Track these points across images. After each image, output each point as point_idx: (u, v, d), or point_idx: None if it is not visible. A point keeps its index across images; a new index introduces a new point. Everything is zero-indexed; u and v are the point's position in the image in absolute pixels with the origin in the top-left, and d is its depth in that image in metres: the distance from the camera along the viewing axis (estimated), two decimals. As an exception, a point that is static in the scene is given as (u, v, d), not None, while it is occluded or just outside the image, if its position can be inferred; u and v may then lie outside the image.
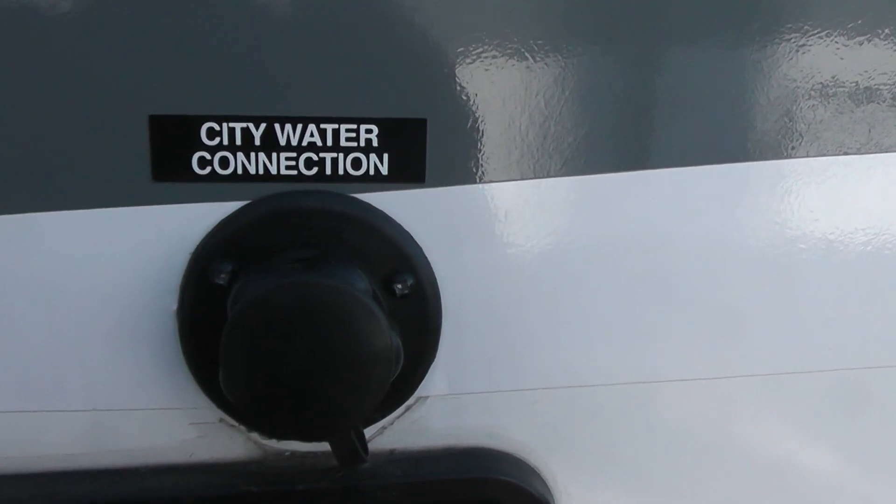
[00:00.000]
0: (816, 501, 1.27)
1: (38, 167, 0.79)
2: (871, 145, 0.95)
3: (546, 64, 0.85)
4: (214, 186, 0.82)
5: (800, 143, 0.97)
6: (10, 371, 0.85)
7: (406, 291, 0.84)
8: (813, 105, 0.96)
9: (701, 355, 1.05)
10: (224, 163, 0.80)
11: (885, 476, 1.28)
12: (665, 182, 0.93)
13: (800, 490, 1.26)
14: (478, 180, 0.84)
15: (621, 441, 1.06)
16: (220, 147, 0.80)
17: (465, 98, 0.84)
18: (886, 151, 0.95)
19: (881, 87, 0.97)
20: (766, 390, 1.12)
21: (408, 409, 0.93)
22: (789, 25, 0.91)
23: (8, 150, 0.80)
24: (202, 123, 0.79)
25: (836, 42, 0.94)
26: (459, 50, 0.83)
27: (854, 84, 0.97)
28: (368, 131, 0.81)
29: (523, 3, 0.79)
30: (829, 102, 0.97)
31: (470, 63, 0.83)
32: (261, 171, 0.80)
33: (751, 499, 1.20)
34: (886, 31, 0.94)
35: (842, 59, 0.95)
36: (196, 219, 0.83)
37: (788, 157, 0.98)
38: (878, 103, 0.97)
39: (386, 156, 0.82)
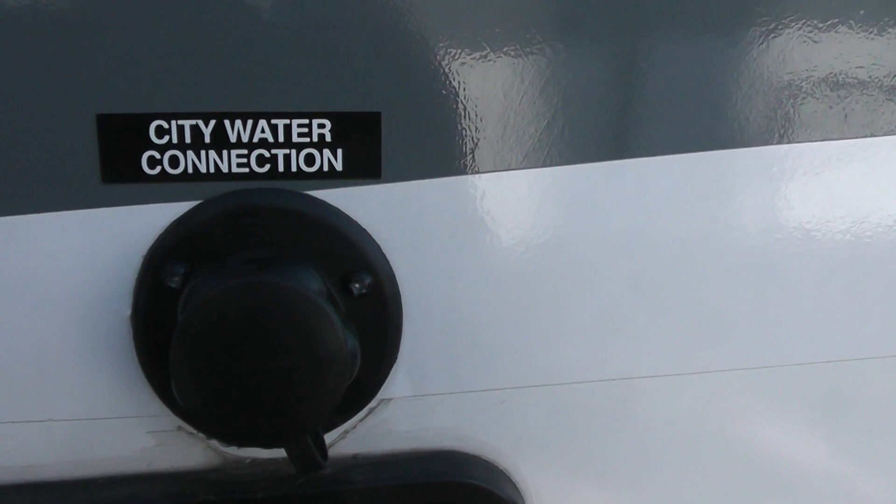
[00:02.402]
0: (799, 496, 1.28)
1: None
2: (847, 132, 0.95)
3: (504, 54, 0.84)
4: (165, 187, 0.80)
5: (776, 130, 0.98)
6: None
7: (364, 291, 0.83)
8: (788, 93, 0.98)
9: (678, 351, 1.04)
10: (174, 162, 0.79)
11: (869, 469, 1.30)
12: (636, 172, 0.91)
13: (782, 485, 1.27)
14: (437, 174, 0.84)
15: (595, 440, 1.05)
16: (169, 145, 0.79)
17: (420, 90, 0.83)
18: (863, 137, 0.96)
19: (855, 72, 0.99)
20: (746, 385, 1.12)
21: (370, 411, 0.91)
22: (759, 10, 0.92)
23: None
24: (151, 121, 0.78)
25: (809, 27, 0.93)
26: (415, 40, 0.82)
27: (828, 71, 0.98)
28: (321, 126, 0.80)
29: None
30: (802, 90, 0.98)
31: (426, 54, 0.82)
32: (212, 170, 0.79)
33: (731, 496, 1.20)
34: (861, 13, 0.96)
35: (816, 43, 0.96)
36: (148, 220, 0.82)
37: (764, 144, 0.96)
38: (852, 89, 0.98)
39: (340, 151, 0.81)
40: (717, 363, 1.07)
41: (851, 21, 0.92)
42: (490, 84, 0.83)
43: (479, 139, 0.85)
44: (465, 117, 0.83)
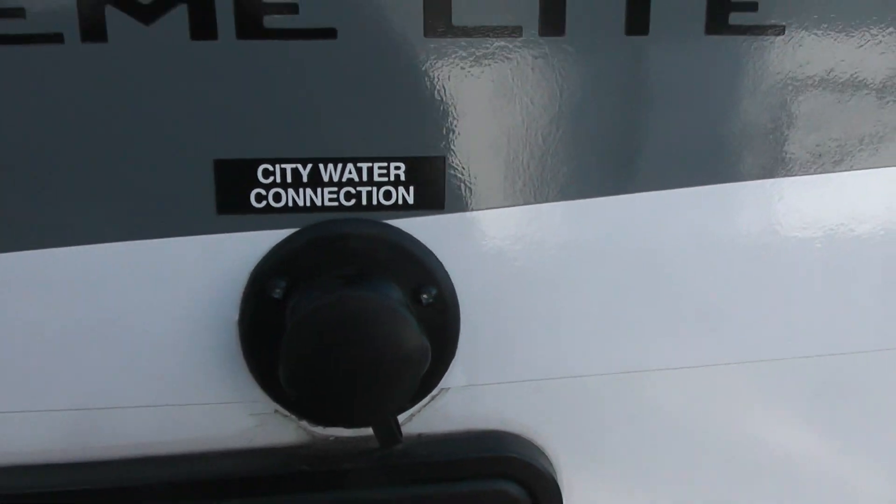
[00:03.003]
0: (800, 486, 1.39)
1: (125, 204, 0.98)
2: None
3: (542, 106, 1.02)
4: (269, 217, 1.00)
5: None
6: (107, 372, 1.02)
7: (430, 300, 1.03)
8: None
9: (685, 346, 1.20)
10: (277, 197, 0.99)
11: (865, 460, 1.40)
12: (649, 204, 1.09)
13: (785, 471, 1.37)
14: (489, 206, 1.03)
15: (610, 424, 1.22)
16: (273, 184, 0.99)
17: (476, 137, 1.02)
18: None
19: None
20: (747, 378, 1.26)
21: (432, 398, 1.11)
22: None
23: (104, 189, 0.98)
24: (258, 165, 0.98)
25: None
26: (470, 98, 1.00)
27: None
28: (397, 168, 0.99)
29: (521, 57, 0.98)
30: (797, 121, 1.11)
31: (478, 108, 1.00)
32: (308, 204, 0.99)
33: (734, 482, 1.34)
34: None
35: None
36: (254, 244, 1.01)
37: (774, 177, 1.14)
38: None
39: (412, 188, 1.01)
40: (721, 357, 1.25)
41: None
42: (531, 132, 1.01)
43: (522, 177, 1.04)
44: (511, 159, 1.01)
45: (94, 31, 0.91)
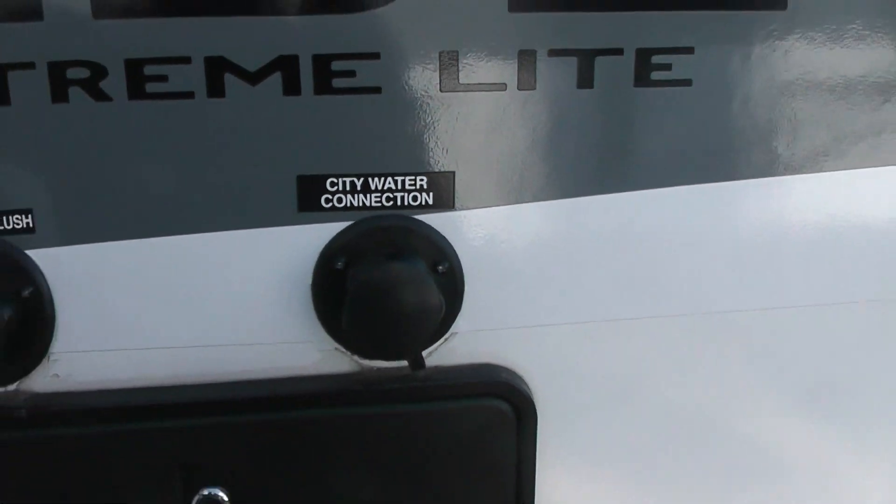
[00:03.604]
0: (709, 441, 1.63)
1: (242, 205, 1.34)
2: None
3: (521, 137, 1.35)
4: (334, 213, 1.36)
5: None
6: (225, 319, 1.39)
7: (444, 271, 1.38)
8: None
9: (634, 301, 1.49)
10: (339, 200, 1.35)
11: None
12: (639, 202, 1.40)
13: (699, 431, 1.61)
14: (484, 206, 1.37)
15: (575, 361, 1.50)
16: (336, 191, 1.34)
17: (475, 158, 1.35)
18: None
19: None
20: (689, 329, 1.51)
21: (445, 339, 1.44)
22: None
23: (228, 196, 1.33)
24: (327, 179, 1.34)
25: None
26: (472, 131, 1.33)
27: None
28: (421, 180, 1.35)
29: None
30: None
31: (478, 138, 1.33)
32: (360, 205, 1.35)
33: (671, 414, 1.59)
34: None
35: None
36: (324, 232, 1.36)
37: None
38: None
39: (431, 193, 1.36)
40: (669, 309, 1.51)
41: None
42: (518, 142, 1.35)
43: (504, 186, 1.37)
44: (504, 170, 1.35)
45: (216, 90, 1.26)
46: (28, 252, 1.33)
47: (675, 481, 1.64)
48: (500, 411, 1.45)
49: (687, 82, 1.33)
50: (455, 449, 1.47)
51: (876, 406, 1.63)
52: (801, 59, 1.37)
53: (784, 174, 1.41)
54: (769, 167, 1.41)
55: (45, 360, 1.38)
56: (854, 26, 1.38)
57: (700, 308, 1.51)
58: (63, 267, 1.35)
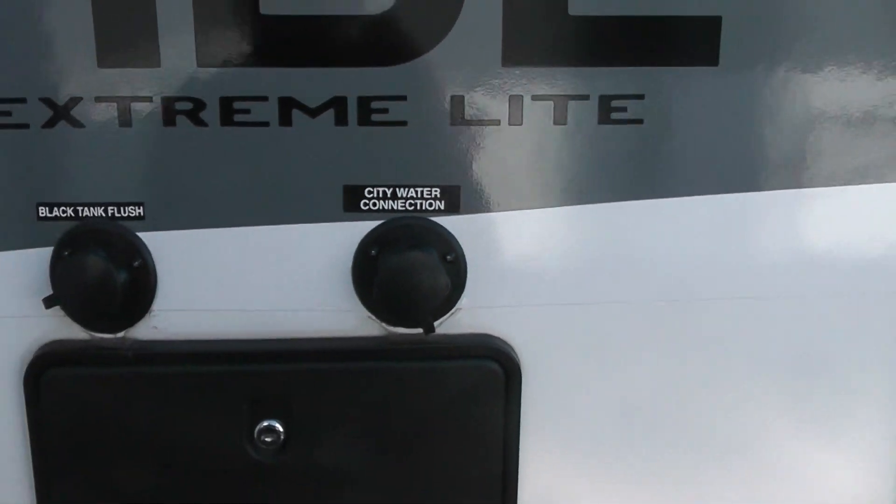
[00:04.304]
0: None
1: (301, 206, 1.59)
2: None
3: (510, 159, 1.58)
4: (370, 213, 1.58)
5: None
6: (289, 291, 1.63)
7: (452, 260, 1.59)
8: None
9: (618, 286, 1.65)
10: (374, 205, 1.58)
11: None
12: (606, 209, 1.59)
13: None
14: (484, 211, 1.59)
15: (555, 335, 1.68)
16: (374, 198, 1.58)
17: (475, 175, 1.57)
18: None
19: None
20: (665, 313, 1.66)
21: (451, 314, 1.64)
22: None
23: (294, 200, 1.59)
24: (366, 188, 1.57)
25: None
26: (474, 154, 1.57)
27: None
28: (436, 191, 1.58)
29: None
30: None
31: (479, 159, 1.56)
32: (390, 208, 1.59)
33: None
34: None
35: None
36: (363, 227, 1.59)
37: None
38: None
39: (443, 201, 1.58)
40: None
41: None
42: (505, 174, 1.59)
43: (497, 196, 1.59)
44: (505, 180, 1.59)
45: (285, 120, 1.52)
46: (139, 233, 1.59)
47: (654, 454, 1.77)
48: (492, 371, 1.65)
49: (639, 121, 1.55)
50: (455, 399, 1.67)
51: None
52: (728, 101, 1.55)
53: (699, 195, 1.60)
54: (698, 186, 1.60)
55: (147, 315, 1.63)
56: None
57: (680, 295, 1.66)
58: (164, 246, 1.60)
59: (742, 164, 1.60)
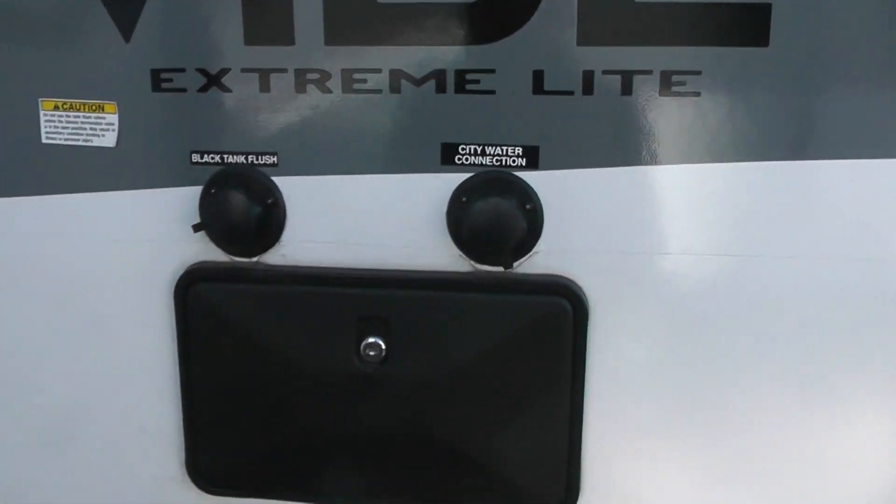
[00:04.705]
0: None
1: (406, 157, 1.91)
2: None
3: (586, 112, 1.81)
4: (462, 167, 1.86)
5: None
6: (391, 230, 1.92)
7: (530, 208, 1.81)
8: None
9: (695, 237, 1.81)
10: (467, 160, 1.84)
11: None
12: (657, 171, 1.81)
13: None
14: (560, 167, 1.82)
15: (622, 283, 1.90)
16: (466, 154, 1.85)
17: (552, 132, 1.80)
18: None
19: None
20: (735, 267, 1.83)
21: (529, 256, 1.87)
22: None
23: (395, 147, 1.90)
24: (460, 145, 1.83)
25: None
26: (550, 115, 1.80)
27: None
28: (519, 150, 1.83)
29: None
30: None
31: (555, 118, 1.80)
32: (479, 163, 1.84)
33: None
34: None
35: None
36: (455, 179, 1.85)
37: None
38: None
39: (524, 159, 1.82)
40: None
41: None
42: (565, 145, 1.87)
43: (572, 155, 1.81)
44: (570, 146, 1.81)
45: (395, 89, 1.82)
46: (273, 177, 1.91)
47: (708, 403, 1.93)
48: (562, 307, 1.88)
49: (697, 94, 1.75)
50: (528, 330, 1.90)
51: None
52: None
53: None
54: (759, 153, 1.77)
55: (276, 244, 1.94)
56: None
57: (743, 250, 1.82)
58: (293, 188, 1.92)
59: (786, 133, 1.80)
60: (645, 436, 1.96)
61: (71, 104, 1.94)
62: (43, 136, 1.97)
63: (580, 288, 1.92)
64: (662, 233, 1.87)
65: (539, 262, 1.92)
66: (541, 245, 1.92)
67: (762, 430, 1.92)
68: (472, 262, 1.95)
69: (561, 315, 1.91)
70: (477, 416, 1.98)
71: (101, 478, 2.16)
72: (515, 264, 1.91)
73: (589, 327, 1.90)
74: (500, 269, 1.92)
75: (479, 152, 1.89)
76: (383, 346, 1.96)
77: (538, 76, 1.80)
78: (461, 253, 1.94)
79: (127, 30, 1.86)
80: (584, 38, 1.77)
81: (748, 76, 1.75)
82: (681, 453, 1.96)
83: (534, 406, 1.96)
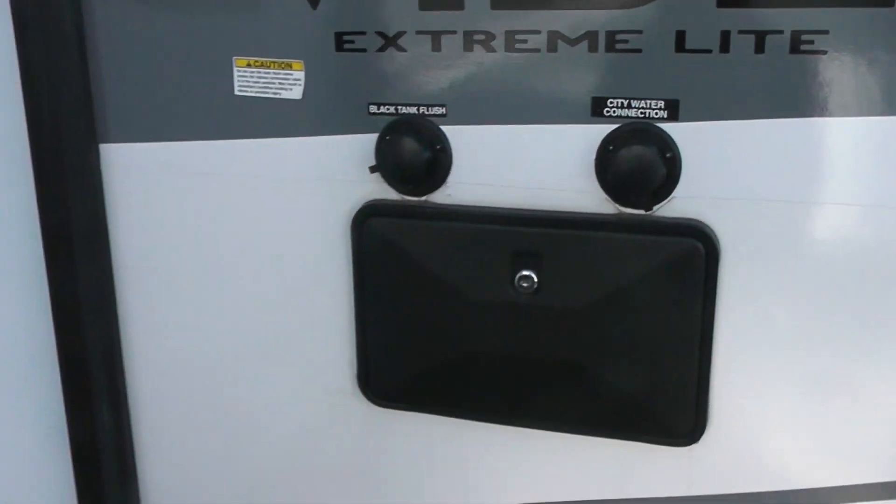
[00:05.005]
0: None
1: (562, 108, 2.12)
2: None
3: (717, 69, 1.99)
4: (610, 119, 2.06)
5: None
6: (546, 176, 2.15)
7: (670, 157, 1.97)
8: None
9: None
10: (615, 112, 2.03)
11: None
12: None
13: None
14: (699, 119, 1.98)
15: (757, 231, 2.05)
16: (613, 107, 2.03)
17: (691, 87, 1.95)
18: None
19: None
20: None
21: (667, 200, 2.05)
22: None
23: (553, 99, 2.11)
24: (608, 99, 2.03)
25: None
26: (690, 71, 1.95)
27: None
28: (661, 103, 2.00)
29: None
30: None
31: (693, 74, 1.95)
32: (626, 116, 2.04)
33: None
34: None
35: None
36: (603, 129, 2.06)
37: None
38: None
39: (666, 111, 1.99)
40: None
41: None
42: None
43: (709, 109, 1.99)
44: (708, 101, 1.98)
45: (552, 48, 2.02)
46: (441, 126, 2.16)
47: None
48: (696, 248, 2.06)
49: (824, 52, 1.87)
50: (663, 269, 2.09)
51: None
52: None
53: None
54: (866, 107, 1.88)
55: (443, 185, 2.20)
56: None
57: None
58: (459, 135, 2.17)
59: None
60: (769, 374, 2.11)
61: (262, 62, 2.24)
62: (236, 88, 2.28)
63: (712, 231, 2.06)
64: (792, 181, 2.01)
65: (676, 206, 2.08)
66: (678, 191, 2.08)
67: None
68: (616, 205, 2.12)
69: (694, 255, 2.08)
70: (615, 346, 2.16)
71: (280, 388, 2.50)
72: (655, 208, 2.10)
73: (720, 268, 2.06)
74: (641, 211, 2.10)
75: (624, 105, 2.07)
76: (535, 279, 2.17)
77: (680, 36, 1.96)
78: (606, 196, 2.11)
79: (314, -1, 2.00)
80: (723, 1, 1.90)
81: (873, 35, 1.86)
82: (806, 395, 2.09)
83: (667, 339, 2.13)
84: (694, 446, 2.17)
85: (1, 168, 2.37)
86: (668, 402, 2.17)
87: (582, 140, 2.10)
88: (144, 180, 2.37)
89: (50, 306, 2.37)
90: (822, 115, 1.96)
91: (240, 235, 2.37)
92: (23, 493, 2.57)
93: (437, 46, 2.13)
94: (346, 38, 2.18)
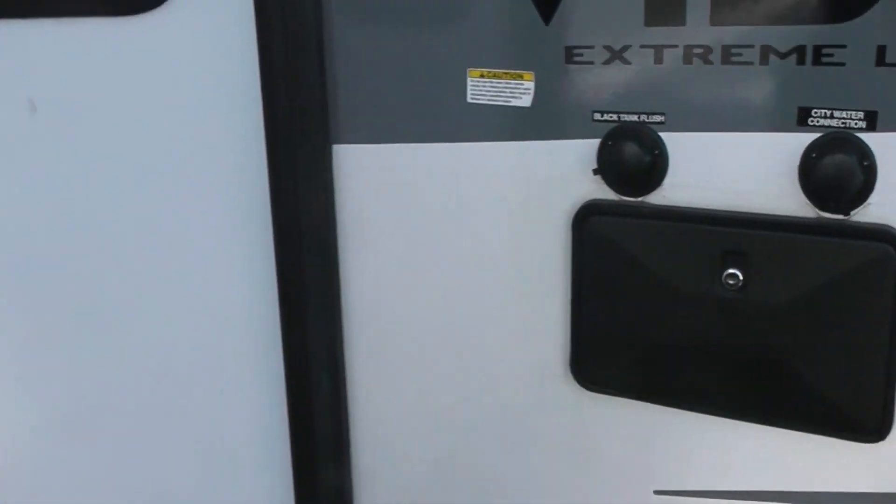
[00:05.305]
0: None
1: (761, 117, 2.28)
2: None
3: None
4: (814, 128, 2.23)
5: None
6: (735, 180, 2.33)
7: (867, 164, 2.17)
8: None
9: None
10: (818, 122, 2.20)
11: None
12: None
13: None
14: (894, 130, 2.19)
15: None
16: (818, 117, 2.19)
17: (888, 99, 2.12)
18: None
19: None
20: None
21: (864, 206, 2.23)
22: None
23: (748, 105, 2.29)
24: (812, 109, 2.18)
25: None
26: (892, 80, 2.08)
27: None
28: (861, 114, 2.16)
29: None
30: None
31: (889, 81, 2.10)
32: (828, 125, 2.23)
33: None
34: None
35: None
36: (807, 138, 2.23)
37: None
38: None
39: (865, 122, 2.17)
40: None
41: None
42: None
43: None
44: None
45: (764, 60, 2.17)
46: (660, 133, 2.34)
47: None
48: (887, 252, 2.16)
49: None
50: (860, 270, 2.20)
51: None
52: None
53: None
54: None
55: (659, 187, 2.37)
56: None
57: None
58: (677, 142, 2.36)
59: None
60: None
61: (494, 73, 2.45)
62: (469, 96, 2.51)
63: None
64: None
65: (871, 211, 2.19)
66: (874, 197, 2.19)
67: None
68: (816, 209, 2.22)
69: (888, 258, 2.17)
70: (810, 342, 2.26)
71: (494, 369, 2.73)
72: (852, 213, 2.19)
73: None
74: (839, 216, 2.20)
75: (828, 115, 2.19)
76: (741, 277, 2.30)
77: (881, 50, 2.08)
78: (807, 200, 2.21)
79: (547, 15, 2.37)
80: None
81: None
82: None
83: (858, 337, 2.22)
84: (881, 444, 2.28)
85: (237, 165, 2.66)
86: (857, 400, 2.27)
87: (786, 147, 2.22)
88: (374, 178, 2.62)
89: (277, 297, 2.64)
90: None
91: (465, 228, 2.58)
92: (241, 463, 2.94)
93: (659, 59, 2.28)
94: (575, 51, 2.36)
